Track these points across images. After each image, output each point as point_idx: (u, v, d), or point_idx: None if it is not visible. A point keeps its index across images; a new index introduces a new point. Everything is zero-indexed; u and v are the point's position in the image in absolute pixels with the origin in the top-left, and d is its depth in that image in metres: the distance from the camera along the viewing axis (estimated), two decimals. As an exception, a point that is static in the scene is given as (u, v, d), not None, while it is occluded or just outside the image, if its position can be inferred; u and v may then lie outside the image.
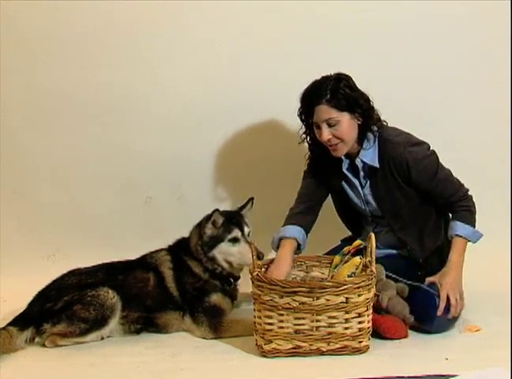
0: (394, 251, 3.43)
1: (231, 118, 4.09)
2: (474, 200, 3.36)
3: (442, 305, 3.09)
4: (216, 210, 3.38)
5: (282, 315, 2.90)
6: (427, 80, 4.15)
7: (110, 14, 4.05)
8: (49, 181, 4.23)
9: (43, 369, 2.94)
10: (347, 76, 3.27)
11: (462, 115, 4.22)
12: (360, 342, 2.94)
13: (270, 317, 2.92)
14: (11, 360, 3.04)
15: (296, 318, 2.89)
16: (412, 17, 4.09)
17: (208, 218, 3.39)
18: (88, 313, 3.18)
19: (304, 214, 3.46)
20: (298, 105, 3.31)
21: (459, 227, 3.24)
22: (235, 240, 3.38)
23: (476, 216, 3.31)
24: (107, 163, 4.20)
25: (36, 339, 3.20)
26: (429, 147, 3.32)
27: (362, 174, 3.37)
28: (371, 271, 2.94)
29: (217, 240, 3.38)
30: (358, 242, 3.17)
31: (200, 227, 3.43)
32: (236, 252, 3.37)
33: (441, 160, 3.35)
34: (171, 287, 3.38)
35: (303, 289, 2.85)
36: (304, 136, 3.41)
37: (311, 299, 2.85)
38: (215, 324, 3.26)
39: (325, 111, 3.18)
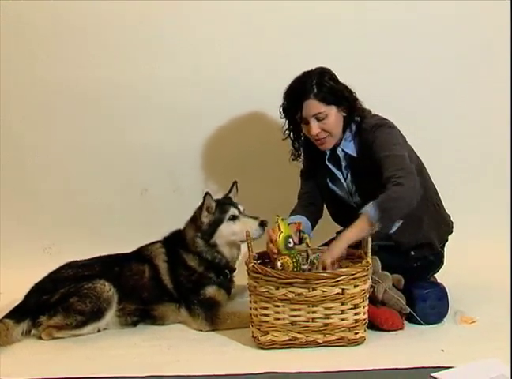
0: (389, 243, 3.42)
1: (228, 111, 4.11)
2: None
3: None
4: (207, 193, 3.37)
5: (278, 306, 2.90)
6: (427, 79, 4.17)
7: (109, 12, 4.06)
8: (45, 174, 4.23)
9: (39, 362, 2.94)
10: (328, 69, 3.30)
11: (462, 115, 4.23)
12: (356, 333, 2.94)
13: (266, 309, 2.92)
14: (7, 353, 3.04)
15: (292, 309, 2.89)
16: (412, 17, 4.11)
17: (201, 206, 3.39)
18: (85, 306, 3.18)
19: (305, 208, 3.50)
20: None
21: (369, 206, 3.00)
22: (233, 217, 3.38)
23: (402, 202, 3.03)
24: (103, 156, 4.20)
25: (33, 332, 3.20)
26: (396, 128, 3.27)
27: (343, 164, 3.39)
28: (367, 262, 2.94)
29: (216, 224, 3.38)
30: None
31: (195, 219, 3.43)
32: (239, 228, 3.36)
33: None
34: (166, 280, 3.39)
35: (299, 280, 2.85)
36: (288, 132, 3.44)
37: (307, 290, 2.85)
38: (211, 316, 3.26)
39: (313, 106, 3.21)
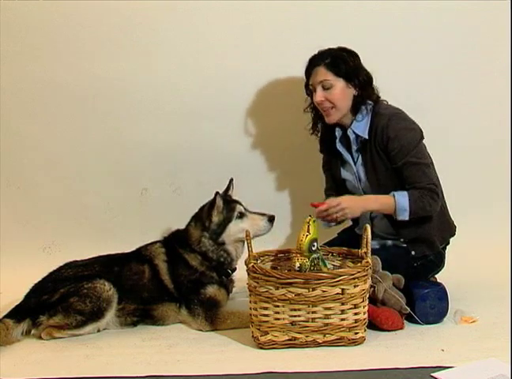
0: (390, 242, 3.43)
1: (228, 109, 4.10)
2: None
3: (325, 205, 3.17)
4: (217, 193, 3.38)
5: (278, 306, 2.90)
6: (427, 74, 4.17)
7: (109, 11, 4.05)
8: (45, 173, 4.22)
9: (39, 362, 2.93)
10: (353, 51, 3.41)
11: (463, 116, 4.24)
12: (356, 333, 2.94)
13: (266, 309, 2.92)
14: (7, 352, 3.03)
15: (292, 309, 2.89)
16: (417, 8, 4.10)
17: (211, 206, 3.38)
18: (85, 306, 3.18)
19: None
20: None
21: (401, 194, 3.22)
22: (241, 215, 3.40)
23: (424, 211, 3.26)
24: (103, 155, 4.19)
25: (33, 332, 3.20)
26: (418, 128, 3.35)
27: (354, 148, 3.43)
28: (367, 262, 2.94)
29: (225, 223, 3.38)
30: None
31: (201, 219, 3.42)
32: (247, 225, 3.37)
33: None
34: (166, 280, 3.38)
35: (299, 280, 2.85)
36: (309, 108, 3.53)
37: (307, 290, 2.85)
38: (211, 316, 3.25)
39: (321, 73, 3.33)
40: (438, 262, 3.44)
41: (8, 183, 4.21)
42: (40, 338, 3.18)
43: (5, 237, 4.20)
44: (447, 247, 3.51)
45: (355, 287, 2.88)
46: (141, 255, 3.47)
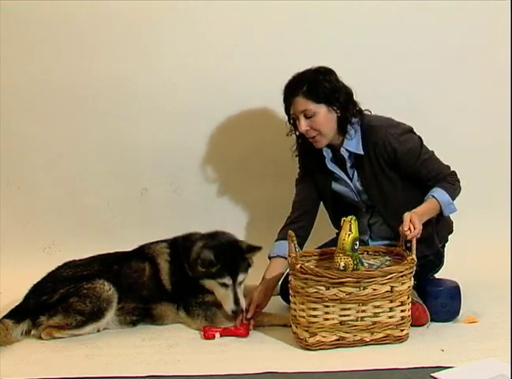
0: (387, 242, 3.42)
1: (228, 109, 4.09)
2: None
3: (406, 225, 3.01)
4: (204, 247, 3.29)
5: (328, 307, 2.88)
6: (427, 74, 4.16)
7: (109, 10, 4.06)
8: (45, 173, 4.22)
9: (39, 362, 2.93)
10: (328, 69, 3.30)
11: (462, 114, 4.24)
12: (402, 330, 2.95)
13: (315, 310, 2.89)
14: (7, 352, 3.03)
15: (342, 309, 2.88)
16: (413, 9, 4.10)
17: (198, 256, 3.28)
18: (85, 306, 3.18)
19: (296, 223, 3.48)
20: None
21: (438, 192, 3.20)
22: (223, 285, 3.24)
23: (458, 194, 3.31)
24: (103, 155, 4.19)
25: (32, 332, 3.20)
26: (411, 128, 3.34)
27: (349, 164, 3.37)
28: (412, 259, 2.94)
29: (206, 275, 3.25)
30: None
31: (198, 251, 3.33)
32: (221, 295, 3.25)
33: (440, 158, 3.37)
34: (165, 280, 3.37)
35: (351, 279, 2.84)
36: (292, 129, 3.44)
37: (358, 289, 2.85)
38: (211, 316, 3.25)
39: (301, 103, 3.23)
40: (438, 262, 3.43)
41: (8, 183, 4.21)
42: (40, 338, 3.18)
43: (5, 237, 4.19)
44: (447, 246, 3.50)
45: (402, 284, 2.90)
46: (143, 253, 3.45)
